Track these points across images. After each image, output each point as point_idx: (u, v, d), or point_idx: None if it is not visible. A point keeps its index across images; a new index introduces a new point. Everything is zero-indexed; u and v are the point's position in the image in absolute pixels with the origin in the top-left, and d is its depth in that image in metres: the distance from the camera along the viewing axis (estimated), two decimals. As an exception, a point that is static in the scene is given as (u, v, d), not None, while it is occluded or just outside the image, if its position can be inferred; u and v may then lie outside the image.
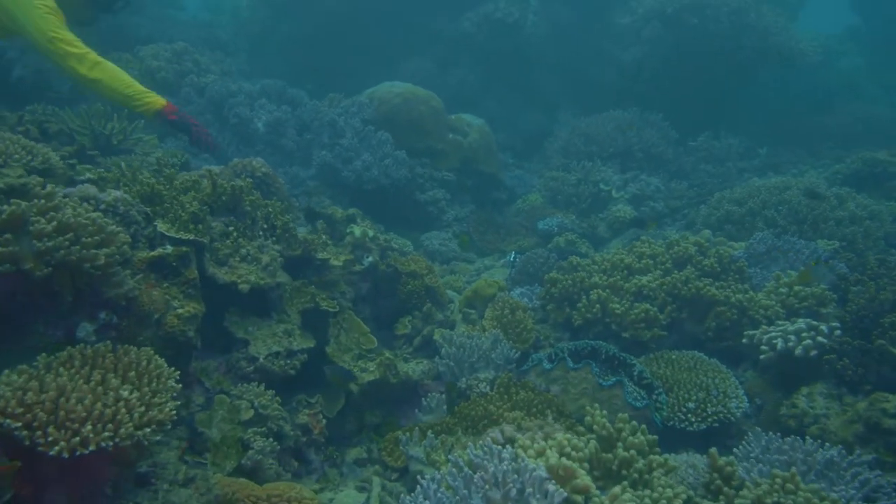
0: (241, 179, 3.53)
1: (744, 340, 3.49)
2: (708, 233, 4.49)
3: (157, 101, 3.51)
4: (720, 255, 4.21)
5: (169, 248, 2.58)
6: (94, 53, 3.33)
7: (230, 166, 4.08)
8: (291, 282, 3.22)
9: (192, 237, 2.68)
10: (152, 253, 2.54)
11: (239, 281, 2.81)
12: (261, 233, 3.14)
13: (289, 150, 5.78)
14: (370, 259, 3.74)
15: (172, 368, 2.18)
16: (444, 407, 3.19)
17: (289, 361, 2.87)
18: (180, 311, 2.49)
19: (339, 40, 9.37)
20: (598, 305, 3.82)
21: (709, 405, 3.10)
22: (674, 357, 3.54)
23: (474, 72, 9.42)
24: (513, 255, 4.99)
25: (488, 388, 3.25)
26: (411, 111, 6.06)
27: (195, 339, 2.55)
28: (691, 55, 8.60)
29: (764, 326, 3.48)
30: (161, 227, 2.62)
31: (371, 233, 3.76)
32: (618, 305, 3.78)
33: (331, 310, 3.22)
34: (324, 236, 3.51)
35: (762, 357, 3.29)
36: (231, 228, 2.99)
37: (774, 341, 3.26)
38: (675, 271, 4.14)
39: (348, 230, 3.74)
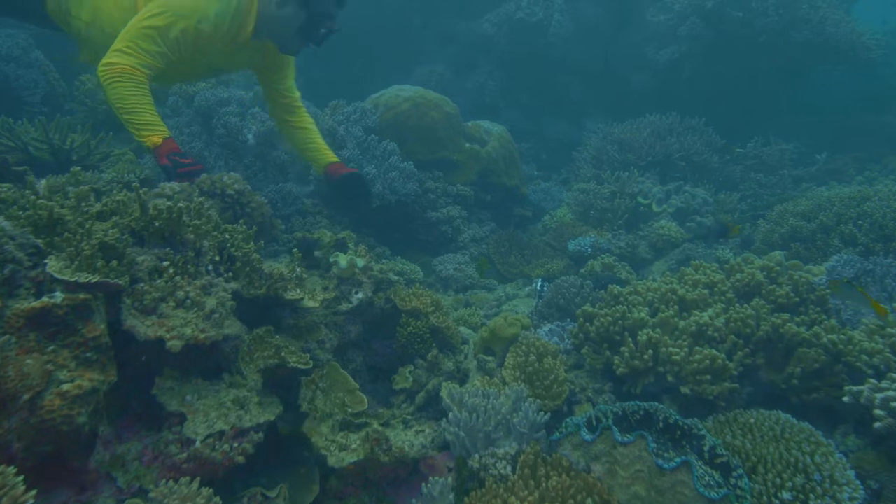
0: (194, 200, 2.82)
1: (845, 399, 2.66)
2: (779, 255, 3.68)
3: (151, 138, 3.26)
4: (796, 283, 3.38)
5: (58, 297, 1.85)
6: (135, 71, 3.21)
7: (196, 184, 3.38)
8: (248, 332, 2.48)
9: (97, 279, 1.95)
10: (33, 304, 1.81)
11: (168, 336, 2.07)
12: (210, 267, 2.41)
13: (281, 163, 5.08)
14: (360, 295, 2.99)
15: (23, 488, 1.44)
16: (451, 496, 2.41)
17: (236, 445, 2.12)
18: (67, 386, 1.76)
19: (348, 46, 8.73)
20: (649, 351, 3.02)
21: (811, 496, 2.28)
22: (752, 421, 2.71)
23: (494, 77, 8.70)
24: (539, 283, 4.20)
25: (509, 467, 2.47)
26: (422, 118, 5.33)
27: (88, 424, 1.82)
28: (735, 53, 7.77)
29: (871, 380, 2.64)
30: (51, 266, 1.90)
31: (361, 262, 3.01)
32: (675, 350, 2.98)
33: (301, 367, 2.47)
34: (298, 269, 2.77)
35: (878, 425, 2.46)
36: (166, 263, 2.26)
37: (895, 403, 2.43)
38: (739, 304, 3.32)
39: (332, 259, 2.99)
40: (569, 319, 3.75)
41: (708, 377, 2.90)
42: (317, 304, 2.62)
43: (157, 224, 2.31)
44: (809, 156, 7.52)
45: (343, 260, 2.94)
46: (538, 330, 3.69)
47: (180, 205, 2.33)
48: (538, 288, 4.17)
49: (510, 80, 8.65)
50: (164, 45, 3.30)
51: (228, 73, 4.49)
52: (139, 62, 3.25)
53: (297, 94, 4.18)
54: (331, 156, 4.15)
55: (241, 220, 3.05)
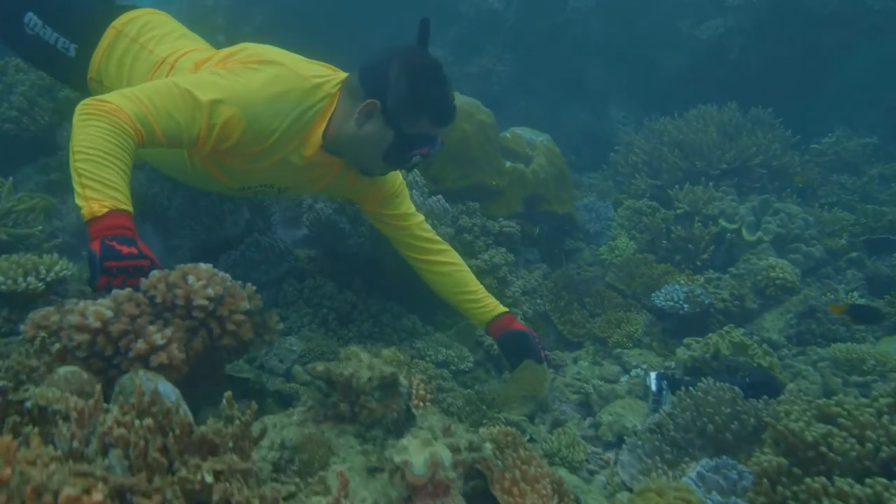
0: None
1: None
2: None
3: (92, 203, 1.98)
4: None
5: None
6: (128, 121, 2.09)
7: (144, 289, 2.02)
8: None
9: None
10: None
11: None
12: None
13: (259, 201, 3.68)
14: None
15: None
16: None
17: None
18: None
19: (329, 30, 7.20)
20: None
21: None
22: None
23: (503, 60, 7.31)
24: (654, 380, 2.93)
25: None
26: (451, 131, 3.95)
27: None
28: (793, 27, 6.53)
29: None
30: None
31: (448, 455, 1.68)
32: None
33: None
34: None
35: None
36: None
37: None
38: None
39: (398, 458, 1.65)
40: (725, 456, 2.49)
41: None
42: None
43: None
44: (882, 148, 6.36)
45: (419, 462, 1.60)
46: (684, 479, 2.43)
47: None
48: (654, 387, 2.90)
49: (522, 63, 7.28)
50: (184, 116, 2.20)
51: (301, 193, 3.43)
52: (138, 114, 2.13)
53: (420, 218, 3.03)
54: (495, 306, 3.04)
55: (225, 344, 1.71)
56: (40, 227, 3.04)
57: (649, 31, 7.41)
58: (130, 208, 2.11)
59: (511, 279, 3.98)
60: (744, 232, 4.43)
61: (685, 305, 3.75)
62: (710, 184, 4.83)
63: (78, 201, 2.03)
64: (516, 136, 4.46)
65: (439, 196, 3.66)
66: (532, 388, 2.97)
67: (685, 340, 3.53)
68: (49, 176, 3.88)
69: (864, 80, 7.14)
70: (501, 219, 4.07)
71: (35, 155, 3.98)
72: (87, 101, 2.15)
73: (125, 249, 2.02)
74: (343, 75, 2.58)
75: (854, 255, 4.38)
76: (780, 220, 4.49)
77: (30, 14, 2.82)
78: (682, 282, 3.99)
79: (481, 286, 3.10)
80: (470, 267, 3.82)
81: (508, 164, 4.23)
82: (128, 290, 1.99)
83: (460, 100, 4.21)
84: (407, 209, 3.04)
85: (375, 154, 2.49)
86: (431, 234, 3.08)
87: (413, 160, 2.53)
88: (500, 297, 3.87)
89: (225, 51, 2.62)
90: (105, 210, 2.01)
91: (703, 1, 7.08)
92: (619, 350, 3.69)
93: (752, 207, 4.67)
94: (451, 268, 3.09)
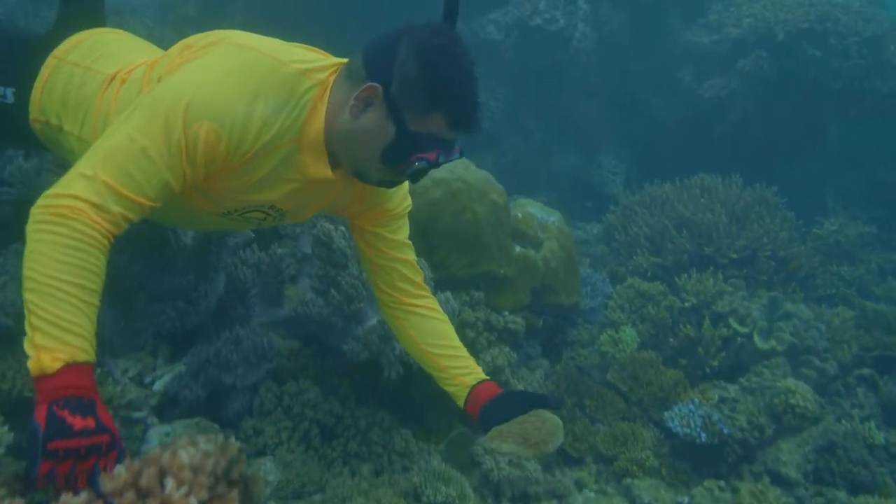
0: None
1: None
2: None
3: (42, 354, 1.50)
4: None
5: None
6: (95, 224, 1.56)
7: (106, 492, 1.50)
8: None
9: None
10: None
11: None
12: None
13: (241, 280, 3.14)
14: None
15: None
16: None
17: None
18: None
19: (323, 17, 6.50)
20: None
21: None
22: None
23: (497, 95, 6.86)
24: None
25: None
26: (461, 213, 3.50)
27: None
28: (800, 98, 6.31)
29: None
30: None
31: None
32: None
33: None
34: None
35: None
36: None
37: None
38: None
39: None
40: None
41: None
42: None
43: None
44: (876, 236, 6.23)
45: None
46: None
47: None
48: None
49: (516, 100, 6.86)
50: (166, 163, 1.70)
51: (303, 217, 2.64)
52: (110, 196, 1.62)
53: (413, 255, 2.37)
54: (478, 370, 2.30)
55: None
56: None
57: (649, 80, 7.10)
58: (92, 357, 1.58)
59: (513, 382, 3.57)
60: (756, 338, 4.14)
61: (703, 434, 3.42)
62: (720, 273, 4.52)
63: (27, 348, 1.51)
64: (528, 216, 4.03)
65: (448, 294, 3.19)
66: (537, 436, 2.22)
67: (706, 483, 3.21)
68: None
69: (860, 155, 7.01)
70: (507, 312, 3.65)
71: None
72: (43, 199, 1.60)
73: (78, 423, 1.49)
74: (335, 60, 1.97)
75: (866, 371, 4.15)
76: (792, 326, 4.22)
77: None
78: (697, 400, 3.66)
79: (465, 350, 2.49)
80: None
81: (518, 248, 3.80)
82: (83, 497, 1.48)
83: (475, 176, 3.76)
84: (404, 238, 2.43)
85: (372, 153, 1.87)
86: (420, 277, 2.49)
87: (415, 165, 1.90)
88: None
89: (181, 43, 2.04)
90: (58, 365, 1.48)
91: (707, 55, 6.80)
92: (628, 480, 3.33)
93: (763, 307, 4.40)
94: (434, 314, 2.47)
